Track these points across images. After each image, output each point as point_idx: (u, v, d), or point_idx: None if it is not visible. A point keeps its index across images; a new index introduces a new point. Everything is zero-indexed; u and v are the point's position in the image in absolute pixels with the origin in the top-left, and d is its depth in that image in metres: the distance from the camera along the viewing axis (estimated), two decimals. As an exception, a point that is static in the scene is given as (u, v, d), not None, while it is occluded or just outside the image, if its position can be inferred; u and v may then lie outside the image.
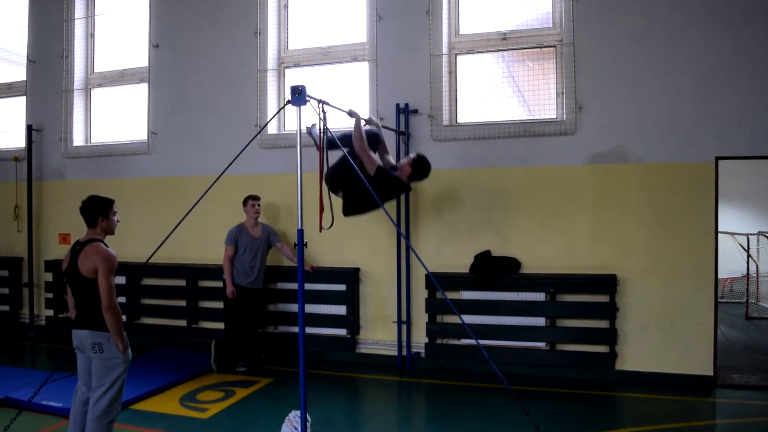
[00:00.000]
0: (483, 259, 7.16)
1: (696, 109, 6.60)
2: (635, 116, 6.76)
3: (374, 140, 6.00)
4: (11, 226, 9.68)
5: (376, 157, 5.76)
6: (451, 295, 7.16)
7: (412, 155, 5.98)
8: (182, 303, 8.51)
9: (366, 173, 5.43)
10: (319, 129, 5.03)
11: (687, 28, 6.63)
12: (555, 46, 7.19)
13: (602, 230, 6.88)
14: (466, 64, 7.63)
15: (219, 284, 7.70)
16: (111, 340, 4.32)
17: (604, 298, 6.76)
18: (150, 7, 8.87)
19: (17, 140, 9.81)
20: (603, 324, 6.76)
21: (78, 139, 9.46)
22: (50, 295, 9.24)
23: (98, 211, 4.44)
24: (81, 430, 4.44)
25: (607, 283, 6.71)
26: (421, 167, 5.85)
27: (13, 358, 8.32)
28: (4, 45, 10.36)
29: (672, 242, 6.65)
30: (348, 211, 6.00)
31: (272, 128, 8.17)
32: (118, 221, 4.58)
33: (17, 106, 9.96)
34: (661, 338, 6.67)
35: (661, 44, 6.69)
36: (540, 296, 6.96)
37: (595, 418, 5.74)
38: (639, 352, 6.73)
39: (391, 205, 7.21)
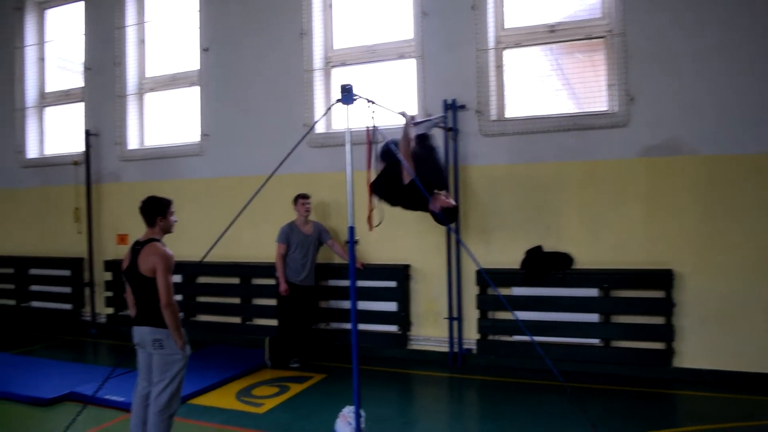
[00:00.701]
0: (534, 254, 7.10)
1: (753, 98, 6.38)
2: (689, 106, 6.59)
3: (422, 138, 6.03)
4: (72, 227, 10.02)
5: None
6: (502, 291, 7.12)
7: (452, 201, 5.69)
8: (236, 300, 8.69)
9: (401, 180, 5.46)
10: (367, 128, 5.05)
11: (741, 13, 6.41)
12: (604, 37, 7.06)
13: (657, 224, 6.74)
14: (513, 58, 7.56)
15: (271, 282, 7.82)
16: (170, 336, 4.45)
17: (659, 294, 6.62)
18: (199, 12, 9.06)
19: (76, 145, 10.13)
20: (659, 320, 6.62)
21: (133, 143, 9.72)
22: (110, 294, 9.55)
23: (156, 211, 4.59)
24: (142, 423, 4.59)
25: (663, 278, 6.56)
26: (448, 215, 5.59)
27: (77, 355, 8.64)
28: (62, 54, 10.69)
29: (731, 236, 6.46)
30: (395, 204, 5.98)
31: (320, 127, 8.25)
32: (175, 221, 4.72)
33: (75, 112, 10.29)
34: (720, 335, 6.49)
35: (715, 31, 6.50)
36: (593, 292, 6.86)
37: (651, 417, 5.62)
38: (697, 349, 6.57)
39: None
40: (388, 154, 5.64)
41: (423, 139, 6.02)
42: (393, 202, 5.79)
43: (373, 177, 5.63)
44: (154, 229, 4.60)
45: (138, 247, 4.52)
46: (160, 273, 4.38)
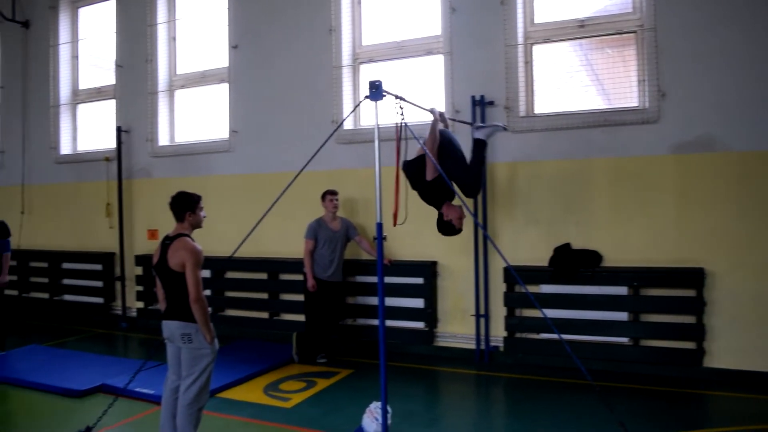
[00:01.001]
0: (563, 252, 7.05)
1: (789, 94, 6.27)
2: (722, 103, 6.47)
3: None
4: (104, 222, 10.19)
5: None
6: (530, 289, 7.07)
7: (461, 222, 5.56)
8: (264, 296, 8.76)
9: (424, 176, 5.45)
10: (397, 125, 5.04)
11: (777, 7, 6.30)
12: (635, 32, 6.96)
13: (688, 222, 6.64)
14: (542, 53, 7.50)
15: (299, 277, 7.87)
16: (199, 331, 4.50)
17: (690, 293, 6.52)
18: (228, 9, 9.14)
19: (108, 142, 10.30)
20: (689, 319, 6.53)
21: (163, 139, 9.85)
22: (140, 288, 9.70)
23: (186, 206, 4.66)
24: (172, 416, 4.66)
25: (694, 277, 6.47)
26: (447, 229, 5.56)
27: (108, 347, 8.79)
28: (95, 52, 10.86)
29: (765, 235, 6.33)
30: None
31: (348, 124, 8.26)
32: (204, 216, 4.78)
33: (107, 109, 10.46)
34: (752, 335, 6.37)
35: (749, 25, 6.37)
36: (623, 290, 6.78)
37: (681, 417, 5.56)
38: (728, 349, 6.45)
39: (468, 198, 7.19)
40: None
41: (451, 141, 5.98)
42: (414, 186, 5.79)
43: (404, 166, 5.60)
44: (183, 225, 4.66)
45: (167, 242, 4.58)
46: (189, 268, 4.43)
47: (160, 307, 4.82)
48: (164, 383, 4.78)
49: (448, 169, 5.29)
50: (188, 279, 4.43)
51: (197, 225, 4.74)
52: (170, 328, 4.59)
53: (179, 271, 4.46)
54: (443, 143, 5.66)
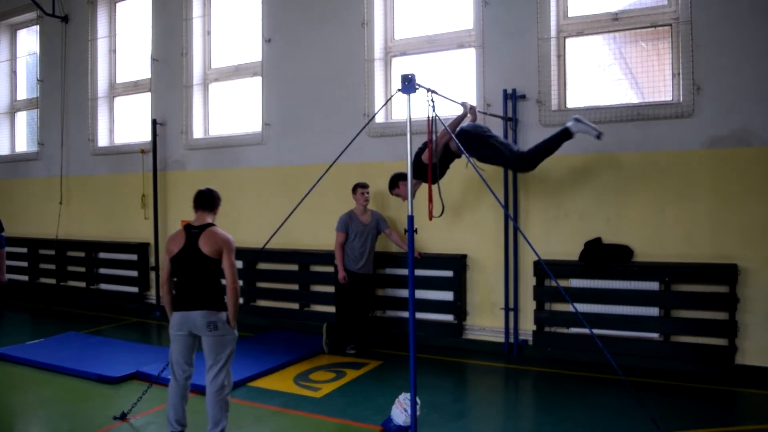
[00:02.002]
0: (593, 246, 7.01)
1: (828, 88, 6.14)
2: (759, 97, 6.35)
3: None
4: (139, 213, 10.39)
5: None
6: (561, 283, 7.04)
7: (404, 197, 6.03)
8: (295, 287, 8.85)
9: (422, 159, 5.80)
10: (428, 117, 5.06)
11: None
12: (671, 25, 6.88)
13: (722, 218, 6.55)
14: (575, 46, 7.45)
15: (330, 269, 7.95)
16: (222, 318, 4.60)
17: (723, 289, 6.44)
18: (262, 3, 9.23)
19: (144, 134, 10.49)
20: (722, 316, 6.45)
21: (197, 132, 10.00)
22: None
23: (218, 201, 4.87)
24: (183, 397, 4.79)
25: (727, 273, 6.38)
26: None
27: (143, 335, 8.99)
28: (132, 46, 11.06)
29: (801, 231, 6.24)
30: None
31: (380, 117, 8.30)
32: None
33: (143, 102, 10.65)
34: (787, 332, 6.29)
35: (788, 18, 6.27)
36: (654, 285, 6.72)
37: (711, 414, 5.51)
38: (761, 347, 6.36)
39: (499, 190, 7.21)
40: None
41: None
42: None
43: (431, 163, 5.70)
44: (209, 215, 4.78)
45: (195, 230, 4.65)
46: (227, 255, 4.58)
47: (164, 297, 4.81)
48: (172, 374, 4.79)
49: (482, 157, 5.75)
50: (227, 265, 4.57)
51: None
52: (193, 318, 4.59)
53: (216, 258, 4.56)
54: (472, 136, 5.80)
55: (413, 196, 5.48)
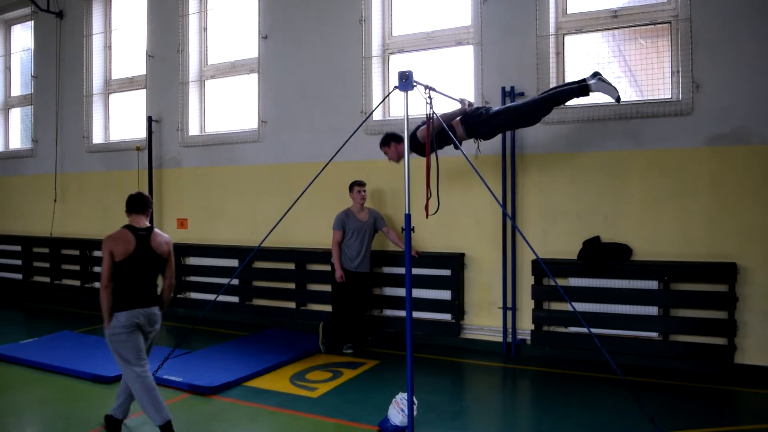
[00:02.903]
0: (592, 245, 6.98)
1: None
2: (759, 95, 6.33)
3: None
4: (134, 211, 10.30)
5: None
6: (559, 282, 7.00)
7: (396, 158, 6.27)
8: (291, 285, 8.81)
9: (417, 136, 5.84)
10: (426, 114, 5.02)
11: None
12: (670, 23, 6.84)
13: (721, 216, 6.52)
14: (574, 44, 7.41)
15: (326, 268, 7.90)
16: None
17: (722, 288, 6.41)
18: (259, 0, 9.16)
19: (139, 131, 10.42)
20: (721, 315, 6.42)
21: (193, 129, 9.93)
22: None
23: (150, 204, 5.17)
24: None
25: (726, 272, 6.36)
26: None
27: (138, 335, 8.89)
28: (127, 42, 10.98)
29: (800, 229, 6.22)
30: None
31: (377, 114, 8.26)
32: None
33: (138, 98, 10.58)
34: (786, 331, 6.26)
35: (788, 16, 6.24)
36: (653, 284, 6.69)
37: (711, 413, 5.49)
38: (760, 346, 6.34)
39: (497, 189, 7.18)
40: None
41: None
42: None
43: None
44: (144, 218, 5.03)
45: (142, 233, 4.90)
46: (172, 254, 5.06)
47: (109, 299, 4.74)
48: (145, 374, 4.79)
49: (489, 131, 6.11)
50: (173, 263, 5.07)
51: None
52: (154, 313, 4.93)
53: (165, 258, 4.98)
54: (469, 120, 5.85)
55: (396, 161, 5.52)
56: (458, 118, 6.07)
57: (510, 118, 6.08)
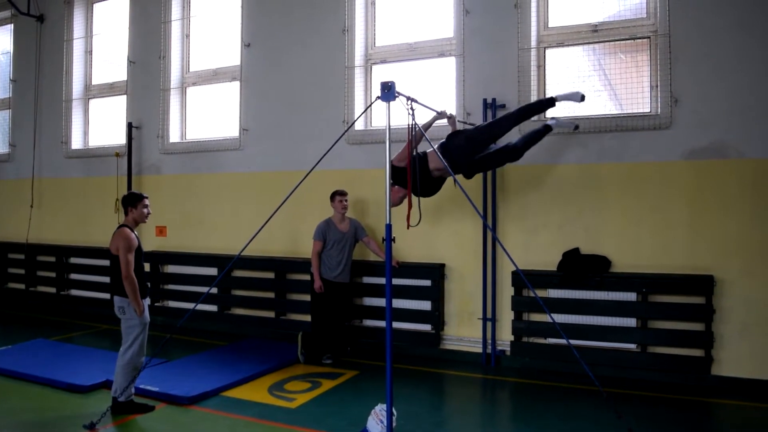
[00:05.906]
0: (571, 257, 7.01)
1: (803, 102, 6.22)
2: (736, 110, 6.43)
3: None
4: (113, 218, 10.16)
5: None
6: (538, 293, 7.02)
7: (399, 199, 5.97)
8: (271, 295, 8.75)
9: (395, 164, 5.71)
10: (408, 125, 5.03)
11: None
12: (649, 38, 6.94)
13: (699, 229, 6.60)
14: (555, 57, 7.48)
15: (306, 277, 7.87)
16: (130, 305, 5.51)
17: (699, 300, 6.47)
18: (242, 7, 9.15)
19: (119, 137, 10.32)
20: (698, 326, 6.48)
21: (174, 136, 9.86)
22: (148, 284, 9.66)
23: (127, 202, 5.78)
24: None
25: (704, 284, 6.42)
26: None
27: (114, 343, 8.67)
28: (108, 47, 10.89)
29: (776, 242, 6.30)
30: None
31: (359, 124, 8.26)
32: (148, 213, 5.85)
33: (118, 104, 10.49)
34: (761, 343, 6.31)
35: (764, 31, 6.33)
36: (631, 296, 6.74)
37: (688, 425, 5.53)
38: (737, 358, 6.41)
39: (478, 200, 7.19)
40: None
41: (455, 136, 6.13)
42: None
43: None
44: (126, 218, 5.75)
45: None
46: (121, 252, 5.46)
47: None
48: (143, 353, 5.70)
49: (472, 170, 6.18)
50: (120, 260, 5.45)
51: (140, 220, 5.81)
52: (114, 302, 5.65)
53: (115, 254, 5.51)
54: (454, 152, 5.85)
55: (398, 203, 5.50)
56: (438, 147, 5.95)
57: (490, 161, 6.28)
